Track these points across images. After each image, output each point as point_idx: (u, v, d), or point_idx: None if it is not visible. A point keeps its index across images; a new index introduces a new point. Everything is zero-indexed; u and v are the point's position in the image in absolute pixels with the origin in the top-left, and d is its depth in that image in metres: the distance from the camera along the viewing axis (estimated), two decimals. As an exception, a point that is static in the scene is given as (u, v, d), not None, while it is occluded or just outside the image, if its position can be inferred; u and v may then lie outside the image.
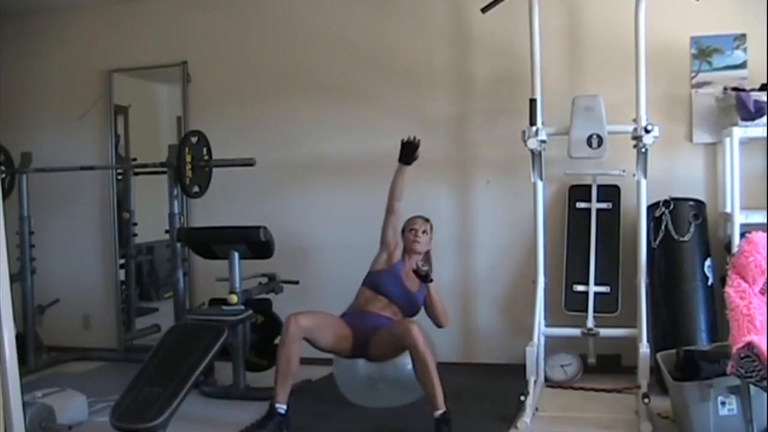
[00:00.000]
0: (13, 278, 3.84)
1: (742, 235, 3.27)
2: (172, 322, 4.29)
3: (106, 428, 3.24)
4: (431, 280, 3.74)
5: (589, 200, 4.28)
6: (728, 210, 3.88)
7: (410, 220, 3.92)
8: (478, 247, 4.64)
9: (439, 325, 3.86)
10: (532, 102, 3.96)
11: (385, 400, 3.71)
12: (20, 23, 5.33)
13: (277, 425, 3.33)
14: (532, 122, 3.94)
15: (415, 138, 3.84)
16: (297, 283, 4.48)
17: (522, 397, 3.61)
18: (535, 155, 4.03)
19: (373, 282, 3.84)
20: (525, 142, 3.94)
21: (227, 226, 4.26)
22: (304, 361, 3.52)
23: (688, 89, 4.25)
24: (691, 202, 4.06)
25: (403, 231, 3.90)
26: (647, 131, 3.77)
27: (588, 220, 4.24)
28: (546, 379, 4.14)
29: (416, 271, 3.70)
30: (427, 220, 3.93)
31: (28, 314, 4.86)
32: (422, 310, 3.85)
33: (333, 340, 3.56)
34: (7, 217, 2.90)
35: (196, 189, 4.41)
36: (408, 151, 3.83)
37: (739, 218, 3.78)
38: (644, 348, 3.70)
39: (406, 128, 4.64)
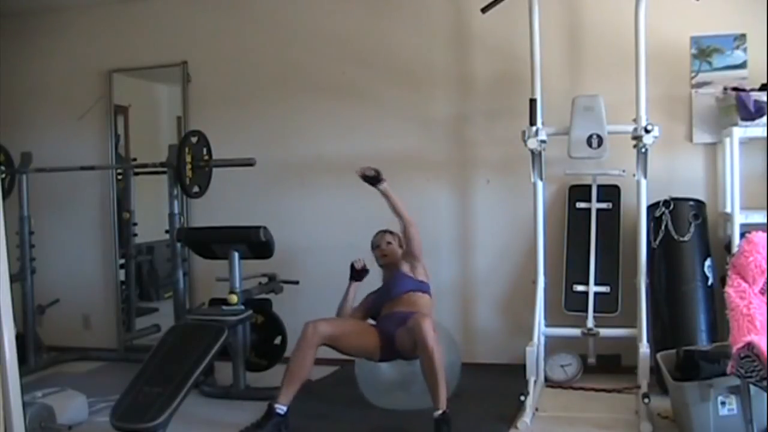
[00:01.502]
0: (13, 278, 3.84)
1: (742, 235, 3.27)
2: (172, 322, 4.29)
3: (106, 428, 3.25)
4: (382, 180, 3.68)
5: (589, 200, 4.28)
6: (728, 210, 3.88)
7: (373, 239, 3.96)
8: (478, 247, 4.64)
9: (406, 223, 3.71)
10: (532, 102, 3.96)
11: (404, 403, 3.69)
12: (20, 23, 5.33)
13: (275, 425, 3.32)
14: (532, 122, 3.94)
15: (363, 264, 3.96)
16: (297, 283, 4.48)
17: (522, 397, 3.61)
18: (535, 155, 4.03)
19: (371, 312, 3.86)
20: (525, 142, 3.94)
21: (227, 226, 4.26)
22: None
23: (688, 89, 4.24)
24: (691, 202, 4.06)
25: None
26: (647, 131, 3.77)
27: (588, 220, 4.24)
28: (546, 379, 4.14)
29: (364, 177, 3.68)
30: (386, 231, 3.93)
31: (28, 314, 4.86)
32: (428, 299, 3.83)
33: (359, 344, 3.57)
34: (7, 217, 2.90)
35: (196, 189, 4.41)
36: (358, 277, 3.97)
37: (739, 218, 3.78)
38: (644, 348, 3.70)
39: (406, 128, 4.70)
